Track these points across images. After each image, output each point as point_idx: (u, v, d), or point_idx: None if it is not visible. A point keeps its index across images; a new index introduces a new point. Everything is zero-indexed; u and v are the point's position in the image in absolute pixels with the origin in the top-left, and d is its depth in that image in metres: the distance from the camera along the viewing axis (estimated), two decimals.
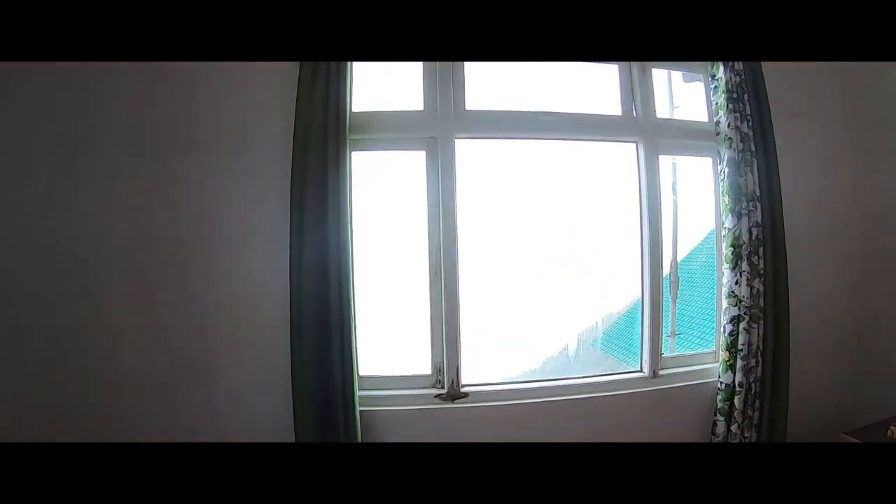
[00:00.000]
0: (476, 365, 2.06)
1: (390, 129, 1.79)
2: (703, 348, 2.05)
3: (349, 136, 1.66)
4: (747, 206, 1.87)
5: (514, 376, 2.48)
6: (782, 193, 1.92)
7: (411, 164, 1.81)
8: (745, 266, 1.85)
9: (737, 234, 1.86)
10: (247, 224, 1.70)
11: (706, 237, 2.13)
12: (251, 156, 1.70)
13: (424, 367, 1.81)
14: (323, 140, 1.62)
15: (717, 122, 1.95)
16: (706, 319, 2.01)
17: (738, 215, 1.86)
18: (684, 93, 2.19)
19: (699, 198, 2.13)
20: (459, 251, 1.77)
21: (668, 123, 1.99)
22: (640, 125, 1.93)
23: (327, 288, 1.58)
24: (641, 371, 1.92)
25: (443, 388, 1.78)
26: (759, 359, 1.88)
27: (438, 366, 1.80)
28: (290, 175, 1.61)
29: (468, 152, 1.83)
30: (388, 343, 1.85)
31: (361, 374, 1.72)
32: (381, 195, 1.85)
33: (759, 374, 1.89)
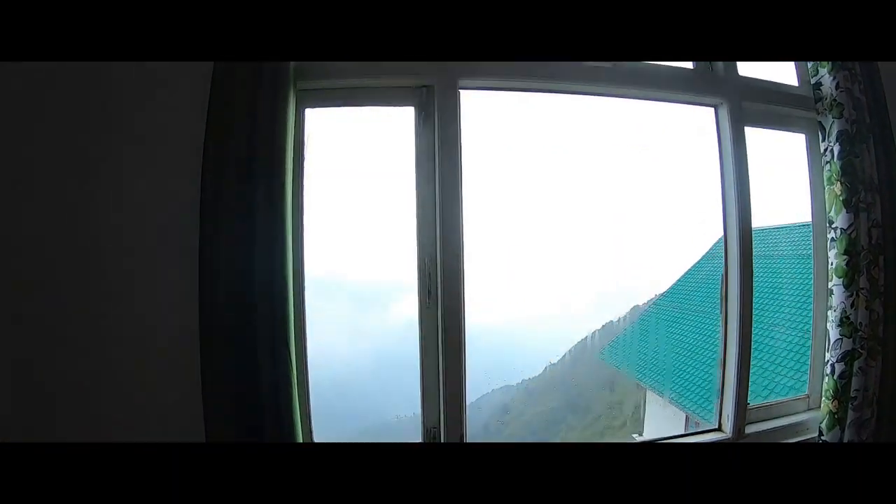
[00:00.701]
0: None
1: (362, 75, 1.18)
2: (788, 393, 1.51)
3: (297, 85, 1.07)
4: (865, 197, 1.34)
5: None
6: None
7: (394, 125, 1.21)
8: (863, 282, 1.33)
9: (853, 236, 1.33)
10: (137, 214, 1.08)
11: (788, 240, 1.58)
12: (148, 117, 1.07)
13: (412, 431, 1.23)
14: (253, 89, 1.00)
15: (818, 85, 1.41)
16: (795, 352, 1.47)
17: (854, 210, 1.33)
18: None
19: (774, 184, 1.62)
20: (465, 259, 1.17)
21: (757, 84, 1.43)
22: (720, 84, 1.37)
23: (252, 317, 0.96)
24: (720, 430, 1.36)
25: None
26: (875, 408, 1.36)
27: (432, 430, 1.20)
28: (202, 144, 1.00)
29: (478, 109, 1.24)
30: (355, 395, 1.26)
31: (316, 441, 1.18)
32: (348, 172, 1.24)
33: (872, 428, 1.38)
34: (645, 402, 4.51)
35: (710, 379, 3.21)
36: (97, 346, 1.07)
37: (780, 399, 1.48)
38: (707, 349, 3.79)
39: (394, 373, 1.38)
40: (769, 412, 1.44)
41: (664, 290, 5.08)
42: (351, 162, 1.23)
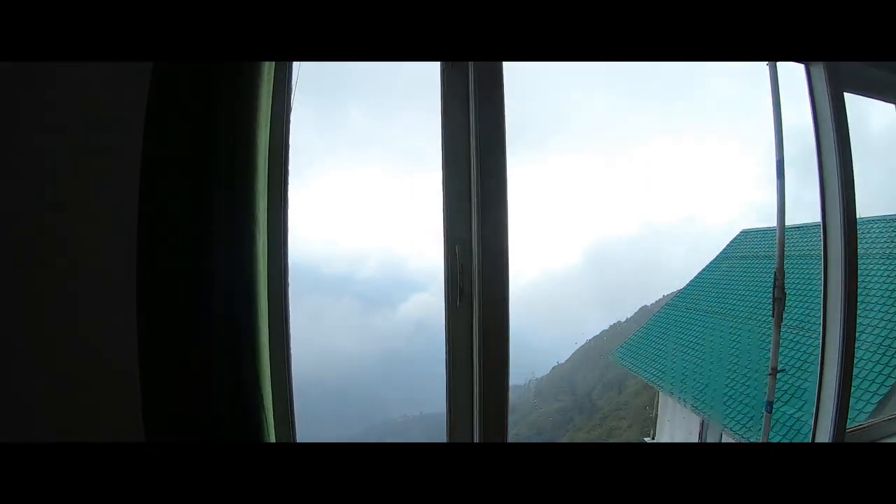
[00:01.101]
0: None
1: None
2: (876, 412, 1.27)
3: None
4: None
5: None
6: None
7: (415, 76, 0.94)
8: None
9: None
10: (72, 196, 0.80)
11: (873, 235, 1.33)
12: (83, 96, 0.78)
13: (417, 430, 1.22)
14: None
15: None
16: (881, 364, 1.23)
17: None
18: None
19: None
20: (509, 247, 0.91)
21: None
22: None
23: (206, 315, 0.70)
24: None
25: None
26: None
27: None
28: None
29: (522, 71, 0.97)
30: (360, 394, 1.01)
31: (317, 442, 0.91)
32: (352, 136, 0.97)
33: None
34: (657, 404, 4.33)
35: (727, 383, 3.02)
36: (25, 350, 0.83)
37: (871, 421, 1.24)
38: (718, 351, 3.61)
39: (399, 371, 1.12)
40: (863, 434, 1.20)
41: (674, 290, 4.91)
42: (357, 124, 0.96)
